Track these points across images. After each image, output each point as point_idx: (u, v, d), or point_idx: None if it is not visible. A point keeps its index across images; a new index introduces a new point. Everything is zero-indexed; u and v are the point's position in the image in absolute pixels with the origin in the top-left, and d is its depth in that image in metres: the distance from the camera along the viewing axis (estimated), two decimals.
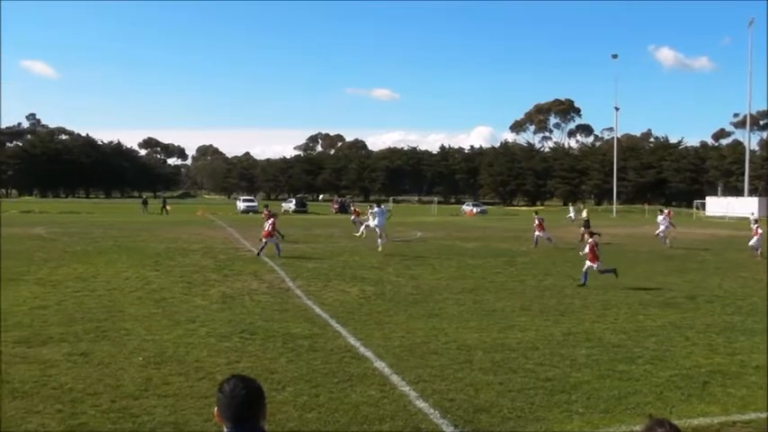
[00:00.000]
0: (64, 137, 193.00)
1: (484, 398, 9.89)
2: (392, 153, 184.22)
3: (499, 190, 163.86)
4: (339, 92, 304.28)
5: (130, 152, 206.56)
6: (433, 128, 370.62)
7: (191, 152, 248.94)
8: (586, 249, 22.39)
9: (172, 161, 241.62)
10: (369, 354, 12.42)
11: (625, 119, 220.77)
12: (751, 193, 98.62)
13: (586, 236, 22.98)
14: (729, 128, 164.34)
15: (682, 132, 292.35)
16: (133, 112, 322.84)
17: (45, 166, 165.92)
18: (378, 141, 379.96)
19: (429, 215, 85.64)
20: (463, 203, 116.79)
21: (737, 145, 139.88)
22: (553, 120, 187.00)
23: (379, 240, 32.48)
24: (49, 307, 16.82)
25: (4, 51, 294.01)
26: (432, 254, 31.83)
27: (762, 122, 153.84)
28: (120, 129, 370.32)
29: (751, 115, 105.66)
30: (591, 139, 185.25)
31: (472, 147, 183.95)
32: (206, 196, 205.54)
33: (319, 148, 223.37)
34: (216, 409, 3.61)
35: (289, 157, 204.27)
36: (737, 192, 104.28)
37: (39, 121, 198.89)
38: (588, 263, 22.11)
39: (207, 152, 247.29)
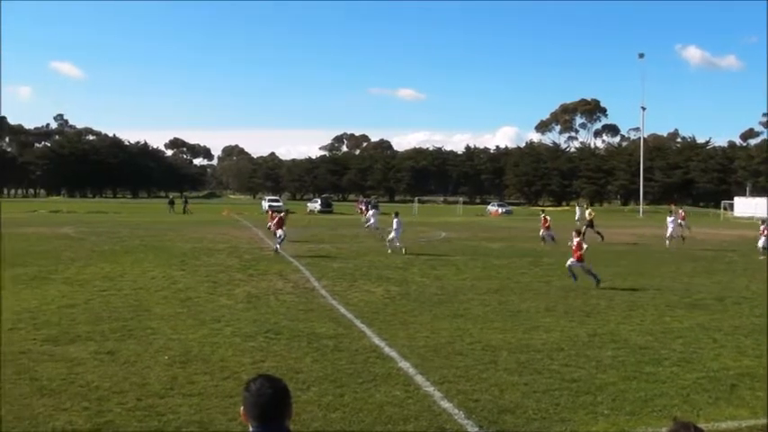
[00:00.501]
0: (91, 137, 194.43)
1: (509, 399, 9.86)
2: (417, 153, 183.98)
3: (525, 190, 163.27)
4: (364, 92, 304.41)
5: (157, 152, 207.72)
6: (458, 128, 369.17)
7: (216, 152, 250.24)
8: (575, 247, 22.11)
9: (198, 161, 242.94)
10: (393, 354, 12.43)
11: (652, 119, 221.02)
12: None
13: (573, 234, 22.84)
14: (758, 127, 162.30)
15: (709, 132, 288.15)
16: (159, 112, 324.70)
17: (73, 166, 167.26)
18: (403, 141, 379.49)
19: (454, 215, 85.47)
20: (488, 204, 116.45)
21: (766, 145, 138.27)
22: (579, 120, 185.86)
23: (397, 245, 32.32)
24: (77, 306, 16.98)
25: (33, 53, 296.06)
26: (457, 254, 31.78)
27: None
28: (147, 129, 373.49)
29: None
30: (617, 139, 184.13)
31: (497, 147, 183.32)
32: (231, 196, 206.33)
33: (344, 149, 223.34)
34: (242, 408, 3.62)
35: (314, 157, 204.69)
36: (766, 192, 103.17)
37: (66, 121, 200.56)
38: (573, 259, 21.98)
39: (232, 152, 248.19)
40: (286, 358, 12.03)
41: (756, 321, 16.06)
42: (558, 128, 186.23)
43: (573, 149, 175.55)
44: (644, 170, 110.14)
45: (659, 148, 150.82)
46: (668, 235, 38.31)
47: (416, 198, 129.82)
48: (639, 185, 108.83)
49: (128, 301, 17.74)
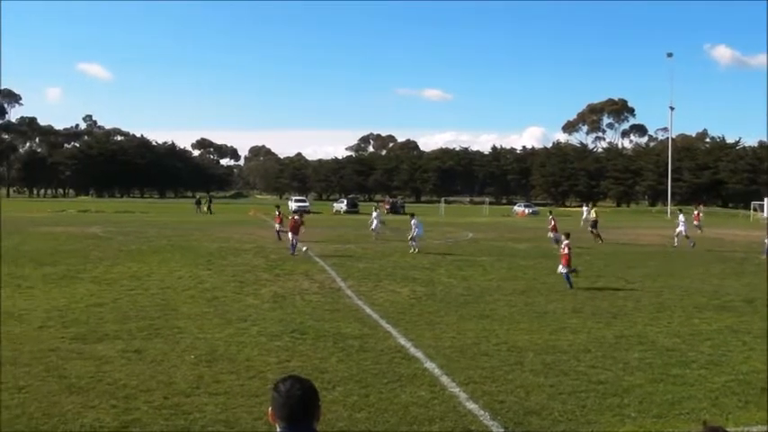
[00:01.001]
0: (119, 138, 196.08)
1: (535, 400, 9.81)
2: (444, 153, 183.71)
3: (551, 191, 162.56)
4: (391, 92, 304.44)
5: (184, 153, 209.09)
6: (484, 128, 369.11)
7: (243, 152, 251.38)
8: (565, 251, 21.94)
9: (225, 161, 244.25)
10: (419, 354, 12.42)
11: (680, 119, 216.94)
12: None
13: (563, 237, 22.73)
14: None
15: (739, 132, 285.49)
16: (187, 112, 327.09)
17: (101, 166, 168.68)
18: (429, 142, 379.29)
19: (480, 216, 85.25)
20: (515, 204, 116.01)
21: None
22: (606, 120, 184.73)
23: (413, 243, 32.39)
24: (105, 305, 17.12)
25: (61, 55, 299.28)
26: (483, 255, 31.68)
27: None
28: (174, 129, 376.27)
29: None
30: (645, 139, 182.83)
31: (524, 147, 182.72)
32: (258, 196, 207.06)
33: (371, 149, 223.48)
34: (270, 408, 3.62)
35: (340, 157, 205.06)
36: None
37: (95, 122, 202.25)
38: (561, 266, 21.78)
39: (259, 153, 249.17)
40: (311, 358, 12.06)
41: None
42: (585, 128, 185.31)
43: (600, 150, 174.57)
44: (672, 171, 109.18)
45: (688, 148, 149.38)
46: (676, 233, 38.20)
47: (443, 198, 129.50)
48: (667, 186, 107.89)
49: (155, 301, 17.87)
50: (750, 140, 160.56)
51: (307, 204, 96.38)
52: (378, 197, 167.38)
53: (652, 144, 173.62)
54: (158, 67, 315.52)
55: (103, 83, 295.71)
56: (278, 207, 42.54)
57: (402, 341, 13.53)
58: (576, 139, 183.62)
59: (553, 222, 38.33)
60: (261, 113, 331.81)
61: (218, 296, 18.84)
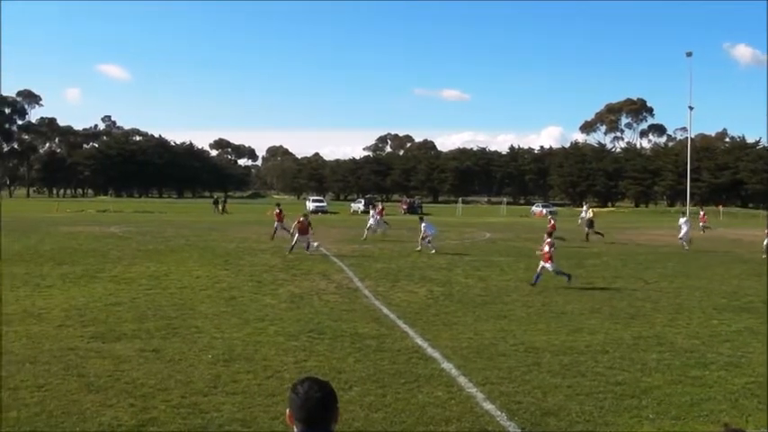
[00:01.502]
0: (138, 138, 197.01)
1: (552, 401, 9.79)
2: (461, 154, 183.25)
3: (569, 191, 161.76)
4: (408, 93, 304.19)
5: (202, 153, 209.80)
6: (502, 128, 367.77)
7: (261, 153, 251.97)
8: (545, 249, 21.92)
9: (242, 162, 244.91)
10: (436, 355, 12.41)
11: (699, 118, 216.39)
12: None
13: (546, 236, 22.77)
14: None
15: (759, 132, 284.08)
16: (204, 113, 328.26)
17: (120, 166, 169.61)
18: (447, 142, 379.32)
19: (498, 216, 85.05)
20: (533, 204, 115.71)
21: None
22: (625, 119, 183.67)
23: (430, 243, 32.30)
24: (123, 304, 17.22)
25: (80, 56, 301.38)
26: (500, 255, 31.61)
27: None
28: (192, 130, 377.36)
29: None
30: (664, 139, 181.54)
31: (542, 147, 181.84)
32: (275, 196, 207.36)
33: (388, 149, 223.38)
34: (288, 409, 3.61)
35: (358, 157, 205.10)
36: None
37: (114, 122, 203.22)
38: (542, 263, 21.76)
39: (277, 153, 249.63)
40: (329, 358, 12.08)
41: None
42: (603, 128, 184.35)
43: (618, 150, 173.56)
44: (691, 171, 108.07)
45: (707, 148, 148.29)
46: (681, 236, 37.56)
47: (460, 198, 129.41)
48: (686, 186, 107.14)
49: (173, 300, 17.94)
50: None
51: (324, 204, 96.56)
52: (395, 197, 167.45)
53: (671, 144, 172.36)
54: (176, 68, 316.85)
55: (122, 83, 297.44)
56: (278, 205, 42.81)
57: (419, 341, 13.53)
58: (594, 139, 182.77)
59: (552, 222, 38.54)
60: (278, 113, 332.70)
61: (236, 296, 18.90)
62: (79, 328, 14.28)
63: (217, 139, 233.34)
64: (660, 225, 59.29)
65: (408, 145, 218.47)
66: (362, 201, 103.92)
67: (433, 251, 31.52)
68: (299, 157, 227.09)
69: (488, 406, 9.56)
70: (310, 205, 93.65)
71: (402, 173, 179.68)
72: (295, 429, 3.58)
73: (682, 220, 38.93)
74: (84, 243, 34.54)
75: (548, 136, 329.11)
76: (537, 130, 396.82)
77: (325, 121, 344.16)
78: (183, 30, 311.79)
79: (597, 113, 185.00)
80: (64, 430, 8.54)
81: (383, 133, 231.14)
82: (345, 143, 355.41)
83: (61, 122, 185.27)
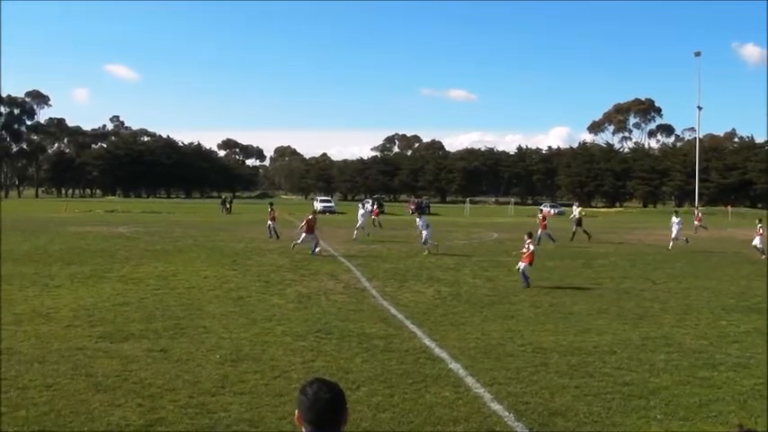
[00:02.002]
0: (146, 138, 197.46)
1: (559, 401, 9.78)
2: (469, 154, 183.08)
3: (577, 191, 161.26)
4: (415, 93, 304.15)
5: (210, 153, 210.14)
6: (510, 129, 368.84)
7: (269, 153, 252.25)
8: (530, 248, 21.92)
9: (250, 162, 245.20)
10: (444, 355, 12.41)
11: (708, 118, 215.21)
12: None
13: (526, 236, 22.80)
14: None
15: None
16: (212, 113, 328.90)
17: (128, 166, 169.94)
18: (455, 142, 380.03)
19: (506, 216, 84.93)
20: (540, 204, 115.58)
21: None
22: (633, 120, 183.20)
23: (427, 243, 32.25)
24: (131, 304, 17.25)
25: (88, 57, 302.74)
26: (508, 255, 31.51)
27: None
28: (200, 130, 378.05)
29: None
30: (672, 139, 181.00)
31: (550, 147, 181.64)
32: (283, 197, 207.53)
33: (396, 149, 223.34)
34: (297, 411, 3.59)
35: (365, 157, 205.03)
36: None
37: (122, 123, 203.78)
38: (521, 262, 21.75)
39: (285, 153, 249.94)
40: (336, 358, 12.08)
41: None
42: (611, 128, 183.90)
43: (626, 150, 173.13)
44: (699, 171, 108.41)
45: (715, 148, 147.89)
46: (673, 236, 37.44)
47: (468, 199, 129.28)
48: (695, 187, 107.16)
49: (180, 300, 17.98)
50: None
51: (332, 205, 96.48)
52: (403, 197, 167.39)
53: (679, 144, 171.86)
54: (184, 68, 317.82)
55: (130, 84, 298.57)
56: (271, 204, 43.05)
57: (427, 341, 13.52)
58: (602, 139, 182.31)
59: (545, 221, 38.96)
60: (286, 114, 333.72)
61: (244, 296, 18.92)
62: (87, 328, 14.32)
63: (225, 139, 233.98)
64: (668, 225, 59.05)
65: (416, 145, 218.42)
66: (370, 201, 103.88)
67: (426, 252, 31.47)
68: (307, 158, 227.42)
69: (496, 406, 9.55)
70: (318, 206, 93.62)
71: (410, 173, 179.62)
72: (303, 431, 3.56)
73: (674, 220, 38.74)
74: (93, 243, 34.62)
75: (555, 136, 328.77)
76: (545, 131, 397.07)
77: (333, 121, 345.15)
78: (190, 30, 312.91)
79: (605, 113, 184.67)
80: (72, 430, 8.57)
81: (391, 133, 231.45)
82: (353, 143, 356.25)
83: (70, 123, 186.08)
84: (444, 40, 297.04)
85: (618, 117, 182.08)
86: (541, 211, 44.87)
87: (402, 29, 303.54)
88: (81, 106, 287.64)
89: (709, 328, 15.26)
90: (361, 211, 42.66)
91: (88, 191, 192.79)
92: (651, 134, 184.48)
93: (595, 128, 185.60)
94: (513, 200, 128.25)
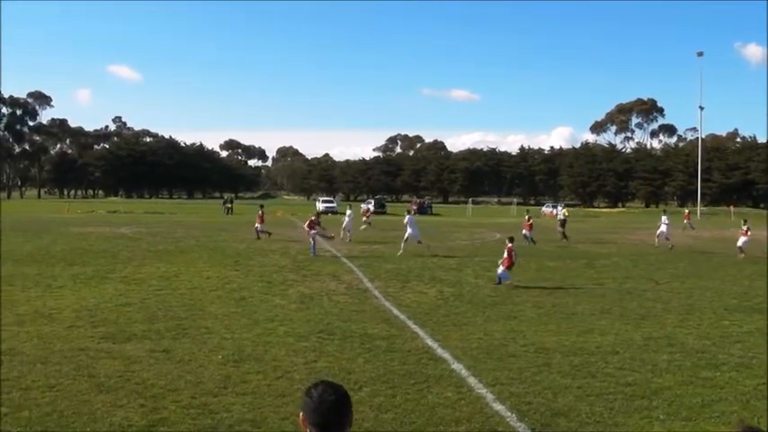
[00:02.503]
0: (148, 139, 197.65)
1: (562, 402, 9.77)
2: (471, 154, 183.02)
3: (579, 191, 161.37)
4: (417, 93, 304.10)
5: (212, 154, 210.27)
6: (512, 129, 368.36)
7: (271, 153, 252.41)
8: (505, 254, 21.97)
9: (252, 162, 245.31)
10: (446, 355, 12.40)
11: (710, 118, 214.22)
12: None
13: (507, 240, 22.83)
14: None
15: None
16: (215, 114, 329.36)
17: (130, 167, 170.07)
18: (457, 142, 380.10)
19: (508, 216, 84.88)
20: (543, 205, 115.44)
21: None
22: (635, 120, 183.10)
23: (408, 242, 32.08)
24: (133, 304, 17.26)
25: (91, 57, 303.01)
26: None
27: None
28: (203, 130, 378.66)
29: None
30: (674, 139, 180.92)
31: (552, 148, 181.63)
32: (286, 197, 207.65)
33: (398, 150, 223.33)
34: (301, 413, 3.57)
35: (368, 158, 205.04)
36: None
37: (125, 123, 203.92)
38: (501, 266, 21.80)
39: (287, 153, 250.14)
40: (338, 359, 12.08)
41: None
42: (613, 128, 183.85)
43: (629, 150, 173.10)
44: (702, 171, 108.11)
45: (718, 148, 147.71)
46: (658, 233, 37.62)
47: (470, 199, 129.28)
48: (697, 187, 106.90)
49: (183, 301, 17.98)
50: None
51: (334, 205, 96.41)
52: (405, 198, 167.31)
53: (681, 144, 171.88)
54: (186, 69, 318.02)
55: (133, 84, 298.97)
56: (261, 207, 43.08)
57: (429, 342, 13.52)
58: (604, 139, 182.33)
59: (530, 221, 39.14)
60: (288, 114, 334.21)
61: (246, 296, 18.92)
62: (90, 328, 14.32)
63: (227, 139, 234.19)
64: (681, 224, 59.03)
65: (418, 145, 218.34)
66: (372, 202, 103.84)
67: (401, 252, 31.19)
68: (309, 158, 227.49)
69: (498, 407, 9.54)
70: (320, 206, 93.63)
71: (412, 173, 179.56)
72: None
73: (663, 219, 38.68)
74: (95, 244, 34.64)
75: (558, 136, 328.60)
76: (547, 131, 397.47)
77: (335, 121, 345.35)
78: (193, 30, 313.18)
79: (608, 114, 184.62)
80: (75, 430, 8.57)
81: (393, 134, 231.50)
82: (355, 143, 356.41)
83: (72, 123, 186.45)
84: (446, 40, 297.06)
85: (620, 117, 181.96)
86: (528, 212, 44.89)
87: (403, 28, 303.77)
88: (83, 107, 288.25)
89: (712, 329, 15.25)
90: (348, 212, 41.95)
91: (90, 192, 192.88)
92: (653, 134, 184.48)
93: (598, 128, 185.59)
94: (515, 200, 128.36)
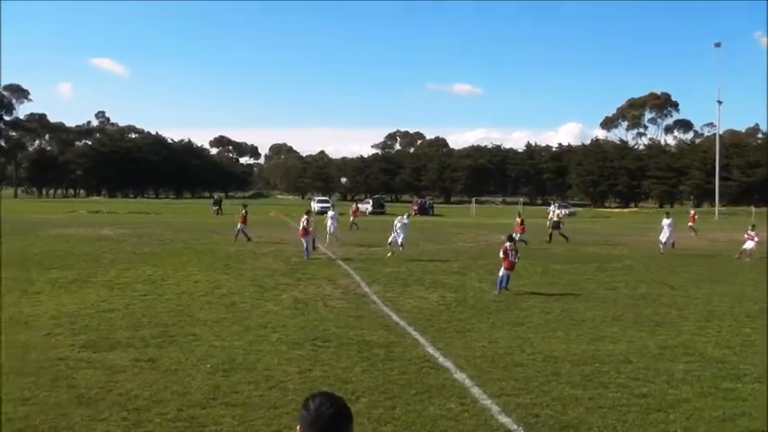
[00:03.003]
0: (133, 135, 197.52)
1: (572, 414, 9.73)
2: (475, 151, 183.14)
3: (589, 190, 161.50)
4: (418, 87, 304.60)
5: (201, 151, 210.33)
6: (517, 125, 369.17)
7: (264, 151, 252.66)
8: (501, 254, 21.95)
9: (244, 160, 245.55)
10: (448, 364, 12.37)
11: (728, 113, 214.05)
12: None
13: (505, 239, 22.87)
14: None
15: None
16: (204, 110, 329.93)
17: (114, 164, 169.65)
18: (459, 139, 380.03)
19: (513, 216, 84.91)
20: (550, 204, 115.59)
21: None
22: (648, 115, 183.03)
23: (400, 249, 32.38)
24: (117, 310, 17.21)
25: (72, 49, 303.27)
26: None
27: None
28: (191, 127, 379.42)
29: None
30: (690, 135, 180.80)
31: (560, 144, 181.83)
32: (279, 196, 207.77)
33: (398, 147, 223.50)
34: (298, 426, 3.52)
35: (366, 155, 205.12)
36: None
37: (108, 119, 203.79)
38: (504, 269, 21.79)
39: (280, 151, 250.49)
40: (334, 367, 12.03)
41: None
42: (625, 124, 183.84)
43: (641, 147, 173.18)
44: (720, 168, 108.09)
45: (737, 144, 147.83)
46: (663, 240, 36.97)
47: (474, 198, 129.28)
48: (715, 185, 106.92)
49: (169, 306, 17.94)
50: None
51: (329, 205, 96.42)
52: (405, 197, 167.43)
53: (698, 140, 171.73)
54: (175, 63, 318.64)
55: (117, 78, 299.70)
56: (245, 206, 43.05)
57: (430, 350, 13.49)
58: (615, 135, 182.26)
59: (522, 224, 39.18)
60: (282, 110, 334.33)
61: (237, 302, 18.88)
62: (69, 336, 14.27)
63: (217, 136, 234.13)
64: (686, 226, 59.03)
65: (419, 142, 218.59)
66: (370, 201, 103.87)
67: (390, 254, 31.48)
68: (304, 155, 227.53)
69: (504, 419, 9.50)
70: (315, 206, 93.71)
71: (412, 172, 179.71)
72: None
73: (665, 222, 38.09)
74: (76, 246, 34.59)
75: (566, 133, 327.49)
76: (555, 127, 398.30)
77: (332, 117, 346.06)
78: (181, 23, 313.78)
79: (619, 109, 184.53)
80: None
81: (392, 130, 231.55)
82: (353, 140, 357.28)
83: (52, 118, 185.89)
84: (448, 32, 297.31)
85: (632, 112, 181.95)
86: (519, 214, 44.92)
87: (404, 21, 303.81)
88: (64, 101, 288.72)
89: (732, 336, 15.21)
90: (330, 213, 41.72)
91: (71, 190, 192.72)
92: (668, 130, 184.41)
93: (608, 124, 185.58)
94: (521, 199, 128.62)
